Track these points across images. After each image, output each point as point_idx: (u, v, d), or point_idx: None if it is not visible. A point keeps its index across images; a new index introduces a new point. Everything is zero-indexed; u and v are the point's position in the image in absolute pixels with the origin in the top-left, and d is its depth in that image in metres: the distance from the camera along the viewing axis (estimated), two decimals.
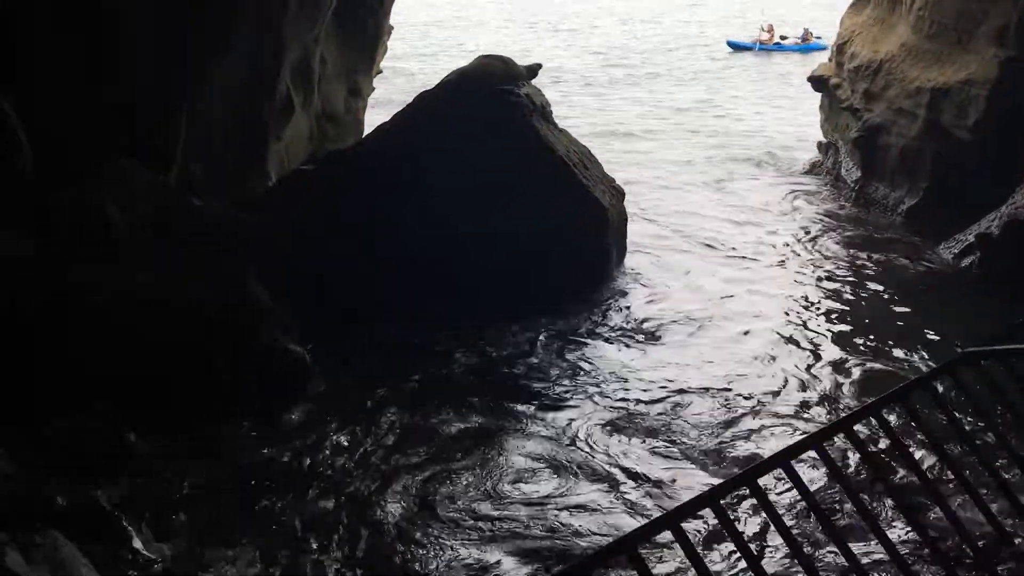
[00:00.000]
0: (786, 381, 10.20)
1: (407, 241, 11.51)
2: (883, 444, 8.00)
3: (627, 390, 9.96)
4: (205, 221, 9.87)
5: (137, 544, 7.08)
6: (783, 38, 35.37)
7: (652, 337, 11.37)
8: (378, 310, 11.02)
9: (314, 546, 7.34)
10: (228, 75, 11.20)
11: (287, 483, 8.17)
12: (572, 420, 9.37)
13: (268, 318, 9.39)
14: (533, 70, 13.35)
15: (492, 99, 12.44)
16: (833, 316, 12.14)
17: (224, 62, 10.98)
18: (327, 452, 8.64)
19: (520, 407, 9.58)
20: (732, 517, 5.01)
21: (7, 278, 8.11)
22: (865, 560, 5.26)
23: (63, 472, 7.39)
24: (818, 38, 35.46)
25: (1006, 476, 4.36)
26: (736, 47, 35.65)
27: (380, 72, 17.74)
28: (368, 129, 14.87)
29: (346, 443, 8.84)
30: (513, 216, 11.75)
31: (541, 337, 11.15)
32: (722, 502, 4.01)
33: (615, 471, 8.37)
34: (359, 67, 16.08)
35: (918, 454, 4.79)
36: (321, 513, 7.77)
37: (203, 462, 8.22)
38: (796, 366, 10.58)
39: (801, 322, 11.91)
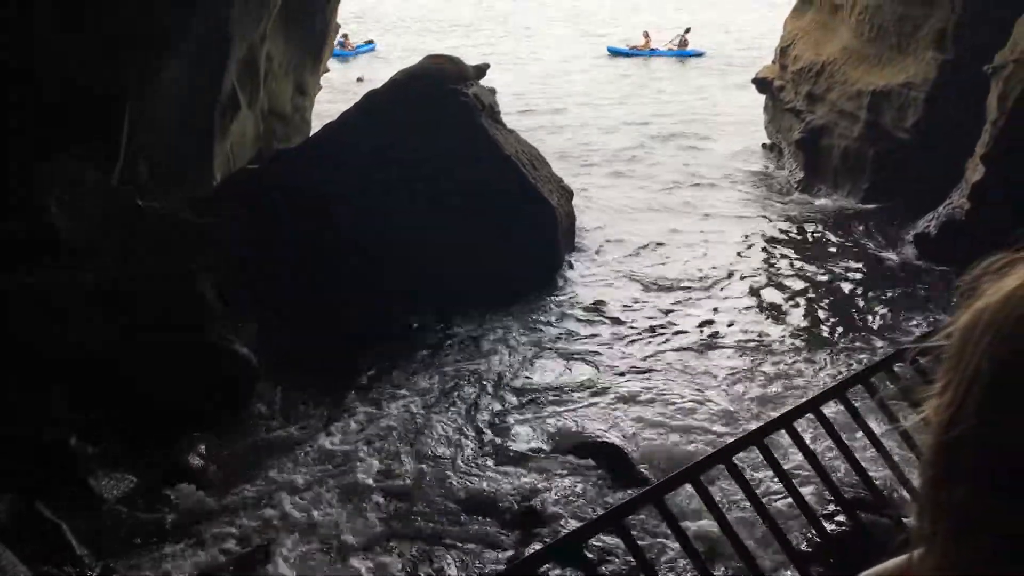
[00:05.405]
0: (729, 376, 10.37)
1: (354, 238, 11.45)
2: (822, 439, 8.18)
3: (558, 400, 10.06)
4: (154, 222, 9.73)
5: (78, 553, 6.97)
6: (653, 50, 35.87)
7: (594, 343, 11.43)
8: (324, 309, 10.96)
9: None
10: (173, 72, 11.04)
11: (239, 488, 8.09)
12: (524, 407, 9.45)
13: (218, 320, 9.29)
14: (481, 70, 13.38)
15: (441, 99, 12.43)
16: (771, 316, 12.28)
17: (169, 58, 10.82)
18: (281, 458, 8.58)
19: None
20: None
21: None
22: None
23: (4, 480, 7.25)
24: (691, 47, 35.57)
25: None
26: (615, 53, 36.46)
27: (327, 71, 17.62)
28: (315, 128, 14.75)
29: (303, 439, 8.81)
30: (462, 216, 11.74)
31: (487, 337, 11.22)
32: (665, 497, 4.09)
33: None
34: (306, 65, 15.96)
35: (855, 447, 4.93)
36: (269, 517, 7.72)
37: (153, 470, 8.11)
38: (738, 362, 10.76)
39: (738, 321, 12.05)
